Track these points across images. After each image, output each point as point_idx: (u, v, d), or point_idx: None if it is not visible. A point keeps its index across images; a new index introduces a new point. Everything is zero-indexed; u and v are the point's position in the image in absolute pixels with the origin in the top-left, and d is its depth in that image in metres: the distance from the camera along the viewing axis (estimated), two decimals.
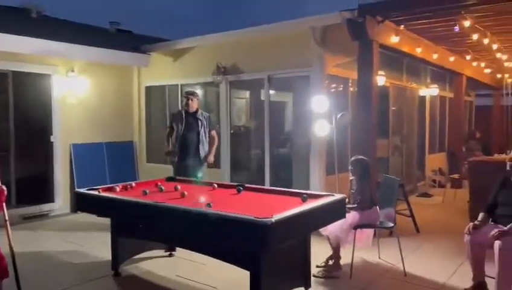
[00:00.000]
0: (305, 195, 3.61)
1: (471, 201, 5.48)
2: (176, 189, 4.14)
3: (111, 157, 7.66)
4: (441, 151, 10.55)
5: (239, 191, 4.08)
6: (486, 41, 6.27)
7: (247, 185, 4.26)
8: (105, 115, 7.61)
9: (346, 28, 5.29)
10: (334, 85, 6.55)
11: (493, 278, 3.56)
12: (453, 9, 5.16)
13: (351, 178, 4.40)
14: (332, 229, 4.02)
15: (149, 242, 4.20)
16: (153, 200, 3.54)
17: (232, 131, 7.26)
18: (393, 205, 4.31)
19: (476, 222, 3.65)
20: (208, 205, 3.32)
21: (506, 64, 8.85)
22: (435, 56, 7.11)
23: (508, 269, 3.35)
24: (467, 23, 5.19)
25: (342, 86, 6.70)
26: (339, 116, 5.18)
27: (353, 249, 4.14)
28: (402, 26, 5.72)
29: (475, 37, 5.94)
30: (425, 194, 8.47)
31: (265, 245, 2.81)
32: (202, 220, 3.06)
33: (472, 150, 10.43)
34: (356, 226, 4.13)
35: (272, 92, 6.67)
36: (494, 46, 6.82)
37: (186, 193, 3.83)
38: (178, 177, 4.91)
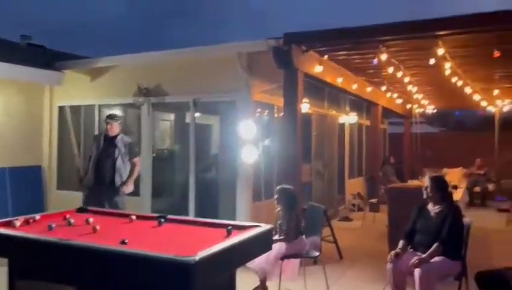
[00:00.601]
0: (230, 227, 3.41)
1: (390, 226, 5.70)
2: (87, 222, 3.71)
3: (15, 185, 6.83)
4: (360, 175, 11.07)
5: (160, 223, 3.77)
6: (399, 74, 6.73)
7: (169, 216, 3.97)
8: (9, 136, 6.82)
9: (272, 56, 5.32)
10: (260, 111, 6.55)
11: None
12: (371, 43, 5.44)
13: (277, 209, 4.32)
14: (258, 261, 3.86)
15: (54, 286, 3.69)
16: (57, 237, 3.10)
17: (154, 155, 6.89)
18: (319, 233, 4.30)
19: (397, 250, 3.74)
20: (123, 242, 2.98)
21: (415, 96, 9.63)
22: (354, 86, 7.48)
23: None
24: (383, 57, 5.50)
25: (268, 112, 6.73)
26: (265, 142, 5.13)
27: (279, 281, 4.03)
28: (326, 57, 5.92)
29: (390, 70, 6.34)
30: (346, 218, 8.73)
31: (189, 287, 2.55)
32: (115, 261, 2.72)
33: (387, 175, 11.10)
34: (283, 257, 4.03)
35: (197, 114, 6.48)
36: (406, 79, 7.36)
37: (98, 227, 3.43)
38: (91, 208, 4.45)
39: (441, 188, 3.88)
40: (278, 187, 4.41)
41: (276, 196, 4.35)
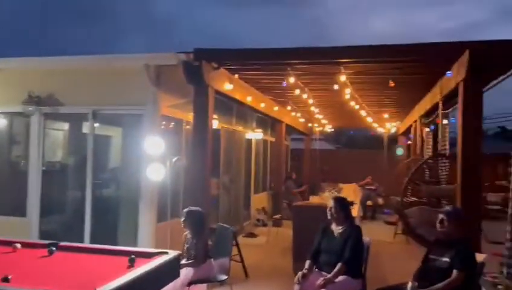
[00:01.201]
0: (133, 256, 3.14)
1: (295, 242, 5.84)
2: None
3: None
4: (264, 190, 11.30)
5: (51, 252, 3.33)
6: (305, 96, 7.03)
7: (61, 243, 3.54)
8: None
9: (182, 70, 5.16)
10: (168, 126, 6.30)
11: None
12: (279, 65, 5.58)
13: (185, 233, 4.14)
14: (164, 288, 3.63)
15: None
16: None
17: (44, 168, 6.18)
18: (228, 255, 4.20)
19: (304, 271, 3.80)
20: (5, 279, 2.55)
21: (316, 116, 10.19)
22: (262, 105, 7.62)
23: None
24: (291, 80, 5.69)
25: (176, 127, 6.50)
26: (174, 160, 4.91)
27: None
28: (237, 75, 5.93)
29: (297, 92, 6.59)
30: (251, 234, 8.79)
31: None
32: None
33: (290, 190, 11.50)
34: (190, 283, 3.85)
35: (96, 124, 6.00)
36: (310, 101, 7.73)
37: None
38: None
39: (343, 208, 4.02)
40: (185, 210, 4.23)
41: (183, 219, 4.16)
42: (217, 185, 8.21)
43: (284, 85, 5.87)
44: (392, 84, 5.39)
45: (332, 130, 14.68)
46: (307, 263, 3.94)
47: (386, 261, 6.81)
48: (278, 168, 10.93)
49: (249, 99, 6.79)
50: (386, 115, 10.54)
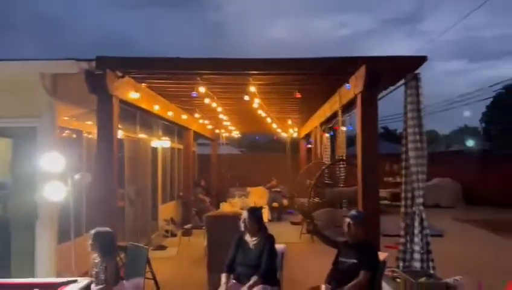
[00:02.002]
0: (36, 289, 2.83)
1: (209, 253, 5.78)
2: None
3: None
4: (172, 200, 11.01)
5: None
6: (214, 105, 7.03)
7: None
8: None
9: (84, 79, 4.80)
10: (67, 137, 5.80)
11: None
12: (188, 75, 5.50)
13: (93, 256, 3.85)
14: None
15: None
16: None
17: None
18: (142, 275, 4.00)
19: (222, 288, 3.78)
20: None
21: (224, 123, 10.26)
22: (170, 113, 7.43)
23: None
24: (202, 89, 5.64)
25: (76, 139, 6.01)
26: (76, 177, 4.52)
27: None
28: (144, 85, 5.69)
29: (206, 101, 6.56)
30: (161, 247, 8.49)
31: None
32: None
33: (198, 197, 11.40)
34: None
35: None
36: (219, 109, 7.75)
37: None
38: None
39: (257, 220, 4.05)
40: (93, 231, 3.92)
41: (90, 242, 3.86)
42: (122, 197, 7.79)
43: (194, 96, 5.80)
44: (298, 95, 5.67)
45: (239, 135, 14.91)
46: (224, 277, 3.93)
47: (295, 262, 7.09)
48: (186, 176, 10.75)
49: (156, 108, 6.57)
50: (289, 122, 11.04)
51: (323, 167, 7.07)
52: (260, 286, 3.76)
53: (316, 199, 6.87)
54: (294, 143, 15.29)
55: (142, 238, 8.44)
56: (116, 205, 5.34)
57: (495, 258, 7.98)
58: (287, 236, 9.61)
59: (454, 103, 20.97)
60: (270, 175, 13.98)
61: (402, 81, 4.99)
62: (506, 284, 5.77)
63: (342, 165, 6.79)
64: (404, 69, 4.85)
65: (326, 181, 6.91)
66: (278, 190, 13.18)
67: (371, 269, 3.68)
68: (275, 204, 12.57)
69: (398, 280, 4.22)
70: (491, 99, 17.46)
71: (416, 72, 4.83)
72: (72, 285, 2.98)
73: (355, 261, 3.78)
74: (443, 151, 25.25)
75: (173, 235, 9.63)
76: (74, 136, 5.96)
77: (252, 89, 5.57)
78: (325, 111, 8.14)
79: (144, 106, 6.21)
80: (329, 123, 8.41)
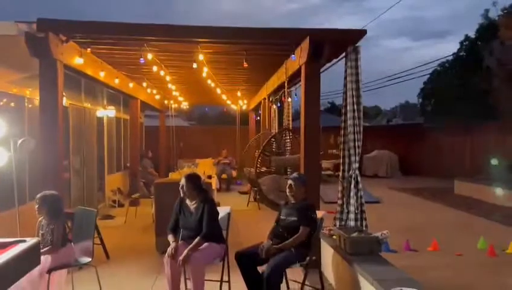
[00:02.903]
0: None
1: (157, 218, 5.92)
2: None
3: None
4: (119, 170, 10.89)
5: None
6: (162, 73, 6.99)
7: None
8: None
9: (25, 43, 4.63)
10: (6, 104, 5.58)
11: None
12: (135, 41, 5.45)
13: (39, 219, 3.86)
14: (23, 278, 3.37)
15: None
16: None
17: None
18: (91, 238, 4.08)
19: (172, 246, 3.95)
20: None
21: (173, 93, 10.19)
22: (116, 81, 7.30)
23: (199, 281, 3.84)
24: (149, 56, 5.61)
25: (17, 105, 5.80)
26: (20, 141, 4.42)
27: None
28: (89, 50, 5.56)
29: (154, 68, 6.52)
30: (108, 216, 8.49)
31: None
32: None
33: (146, 168, 11.35)
34: (49, 270, 3.64)
35: None
36: (167, 78, 7.71)
37: None
38: None
39: (194, 184, 4.18)
40: (39, 195, 3.92)
41: (36, 206, 3.87)
42: (66, 167, 7.63)
43: (142, 62, 5.76)
44: (245, 64, 5.81)
45: (188, 106, 14.83)
46: (170, 237, 4.10)
47: (242, 227, 7.42)
48: (133, 147, 10.64)
49: (101, 75, 6.44)
50: (238, 93, 11.17)
51: (270, 136, 7.35)
52: (205, 244, 3.98)
53: (263, 168, 7.16)
54: (244, 115, 15.50)
55: (89, 207, 8.36)
56: (62, 176, 5.27)
57: (425, 220, 8.81)
58: (235, 204, 9.90)
59: (396, 79, 22.14)
60: (219, 147, 14.13)
61: (343, 55, 5.28)
62: (432, 240, 6.49)
63: (287, 135, 7.10)
64: (346, 41, 5.12)
65: (273, 150, 7.21)
66: (227, 161, 13.40)
67: (309, 225, 4.01)
68: (223, 175, 12.81)
69: (334, 236, 4.63)
70: (428, 76, 18.61)
71: (357, 45, 5.14)
72: (21, 244, 3.02)
73: (295, 218, 4.09)
74: (383, 125, 26.69)
75: (120, 205, 9.62)
76: (14, 102, 5.75)
77: (201, 57, 5.63)
78: (273, 83, 8.37)
79: (89, 72, 6.08)
80: (277, 95, 8.66)
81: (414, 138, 17.74)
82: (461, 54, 16.85)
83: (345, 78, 5.25)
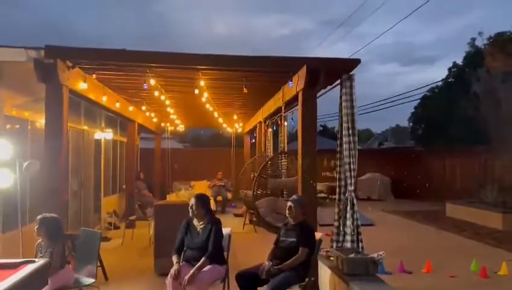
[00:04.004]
0: None
1: (156, 240, 5.98)
2: None
3: None
4: (115, 193, 10.94)
5: None
6: (162, 97, 7.19)
7: None
8: None
9: (34, 68, 4.80)
10: (11, 127, 5.70)
11: None
12: (139, 67, 5.65)
13: (38, 241, 3.95)
14: None
15: None
16: None
17: None
18: (95, 259, 4.16)
19: (175, 267, 4.04)
20: None
21: (171, 116, 10.36)
22: (117, 105, 7.47)
23: None
24: (152, 82, 5.80)
25: (21, 128, 5.92)
26: (26, 164, 4.53)
27: None
28: (94, 76, 5.75)
29: (156, 93, 6.71)
30: (104, 238, 8.46)
31: None
32: None
33: (140, 190, 11.40)
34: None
35: None
36: (167, 102, 7.90)
37: None
38: None
39: (203, 204, 4.35)
40: (39, 217, 4.01)
41: (36, 227, 3.96)
42: (66, 189, 7.70)
43: (145, 87, 5.95)
44: (245, 90, 6.03)
45: (184, 129, 14.98)
46: (175, 257, 4.20)
47: (239, 248, 7.46)
48: (130, 169, 10.72)
49: (104, 100, 6.61)
50: (234, 116, 11.38)
51: (267, 159, 7.52)
52: (209, 266, 4.08)
53: (259, 191, 7.30)
54: (239, 137, 15.68)
55: None
56: (63, 198, 5.33)
57: (418, 242, 8.94)
58: (230, 226, 9.98)
59: (388, 103, 22.61)
60: (214, 169, 14.21)
61: (338, 81, 5.53)
62: (425, 262, 6.61)
63: (283, 158, 7.27)
64: (341, 70, 5.38)
65: (269, 172, 7.36)
66: (222, 184, 13.48)
67: (308, 246, 4.14)
68: (219, 198, 12.87)
69: (332, 258, 4.74)
70: (418, 100, 19.10)
71: (351, 73, 5.39)
72: (30, 265, 3.11)
73: (294, 239, 4.22)
74: (374, 148, 27.06)
75: (116, 227, 9.61)
76: (19, 125, 5.87)
77: (202, 83, 5.84)
78: (269, 107, 8.59)
79: (92, 96, 6.25)
80: (273, 118, 8.87)
81: (405, 161, 18.02)
82: (449, 80, 17.36)
83: (340, 104, 5.48)
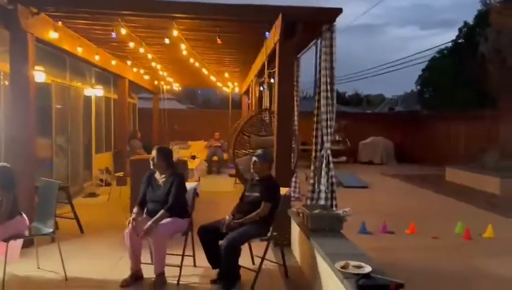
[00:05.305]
0: None
1: (132, 196, 5.94)
2: None
3: None
4: (108, 150, 10.93)
5: None
6: (142, 50, 6.93)
7: None
8: None
9: None
10: None
11: (149, 263, 4.03)
12: (108, 15, 5.38)
13: None
14: None
15: None
16: None
17: None
18: (52, 208, 4.10)
19: (132, 217, 3.99)
20: None
21: (161, 73, 10.12)
22: (96, 58, 7.25)
23: (160, 253, 3.88)
24: (123, 31, 5.55)
25: None
26: None
27: (4, 265, 3.69)
28: (60, 23, 5.51)
29: (131, 45, 6.46)
30: (92, 194, 8.54)
31: None
32: None
33: (135, 149, 11.36)
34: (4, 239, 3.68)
35: None
36: (149, 56, 7.65)
37: None
38: None
39: (165, 158, 4.20)
40: None
41: None
42: (49, 146, 7.66)
43: (113, 37, 5.70)
44: (219, 41, 5.74)
45: (180, 88, 14.76)
46: (135, 209, 4.14)
47: (224, 207, 7.42)
48: (121, 127, 10.63)
49: (79, 51, 6.39)
50: (226, 74, 11.08)
51: (248, 117, 7.33)
52: (169, 219, 4.00)
53: (242, 150, 7.15)
54: (238, 99, 15.45)
55: (73, 185, 8.43)
56: (33, 153, 5.20)
57: (411, 205, 8.82)
58: (222, 186, 10.03)
59: (397, 66, 21.90)
60: (213, 130, 14.09)
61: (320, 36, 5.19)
62: (410, 224, 6.49)
63: (267, 115, 7.06)
64: (321, 20, 5.05)
65: (251, 130, 7.12)
66: (219, 144, 13.37)
67: (271, 201, 4.01)
68: (214, 158, 12.83)
69: (301, 214, 4.63)
70: (426, 63, 18.41)
71: (333, 24, 5.06)
72: None
73: (258, 194, 4.10)
74: (379, 113, 26.56)
75: (108, 184, 9.65)
76: None
77: (175, 33, 5.56)
78: (257, 63, 8.29)
79: (66, 47, 6.03)
80: (262, 76, 8.57)
81: (410, 125, 17.64)
82: (460, 41, 16.62)
83: (319, 57, 5.20)
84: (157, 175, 4.23)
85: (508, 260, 5.13)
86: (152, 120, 14.69)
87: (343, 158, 16.61)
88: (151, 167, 4.19)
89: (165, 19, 5.37)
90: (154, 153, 4.19)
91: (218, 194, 8.68)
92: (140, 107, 15.42)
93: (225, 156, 13.31)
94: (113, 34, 5.60)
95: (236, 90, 14.17)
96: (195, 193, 4.46)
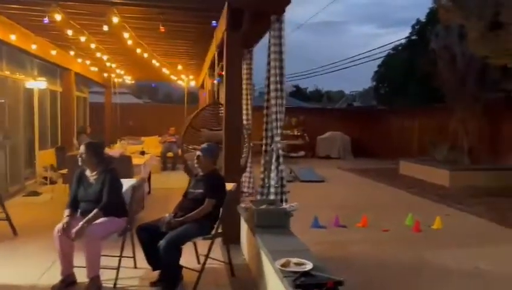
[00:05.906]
0: None
1: (71, 193, 5.54)
2: None
3: None
4: (54, 146, 10.31)
5: None
6: (83, 39, 6.50)
7: None
8: None
9: None
10: None
11: (82, 267, 3.73)
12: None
13: None
14: None
15: None
16: None
17: None
18: None
19: (64, 221, 3.67)
20: None
21: (108, 64, 9.63)
22: (33, 47, 6.74)
23: (94, 255, 3.59)
24: (58, 17, 5.14)
25: None
26: None
27: None
28: None
29: (70, 32, 6.02)
30: (34, 193, 8.01)
31: None
32: None
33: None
34: None
35: None
36: (92, 45, 7.20)
37: None
38: None
39: (95, 153, 3.90)
40: None
41: None
42: None
43: (46, 22, 5.27)
44: (162, 29, 5.45)
45: (132, 82, 14.22)
46: (66, 212, 3.82)
47: (173, 203, 7.18)
48: (68, 122, 10.06)
49: (13, 38, 5.90)
50: (179, 67, 10.73)
51: (198, 110, 7.08)
52: (104, 218, 3.71)
53: (191, 146, 6.90)
54: (192, 94, 15.09)
55: (13, 184, 7.89)
56: None
57: (364, 198, 8.91)
58: (176, 182, 9.67)
59: (355, 61, 22.23)
60: (169, 126, 13.69)
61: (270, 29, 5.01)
62: (362, 217, 6.50)
63: (218, 109, 6.84)
64: (270, 10, 4.88)
65: (201, 124, 6.89)
66: (174, 140, 12.98)
67: (215, 197, 3.82)
68: (169, 154, 12.44)
69: (248, 210, 4.47)
70: (382, 59, 18.78)
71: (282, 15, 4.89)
72: None
73: (202, 191, 3.89)
74: (337, 108, 27.06)
75: (53, 182, 9.10)
76: None
77: (115, 19, 5.21)
78: (209, 56, 8.04)
79: None
80: (214, 69, 8.33)
81: (367, 120, 17.98)
82: (413, 37, 17.06)
83: (269, 48, 5.03)
84: (87, 172, 3.93)
85: (455, 251, 5.22)
86: (104, 115, 14.08)
87: (302, 153, 16.71)
88: (80, 163, 3.87)
89: (103, 4, 5.01)
90: (82, 148, 3.87)
91: (172, 191, 8.34)
92: (92, 101, 14.74)
93: (180, 151, 12.93)
94: (45, 20, 5.17)
95: (193, 83, 13.80)
96: (143, 190, 4.19)
